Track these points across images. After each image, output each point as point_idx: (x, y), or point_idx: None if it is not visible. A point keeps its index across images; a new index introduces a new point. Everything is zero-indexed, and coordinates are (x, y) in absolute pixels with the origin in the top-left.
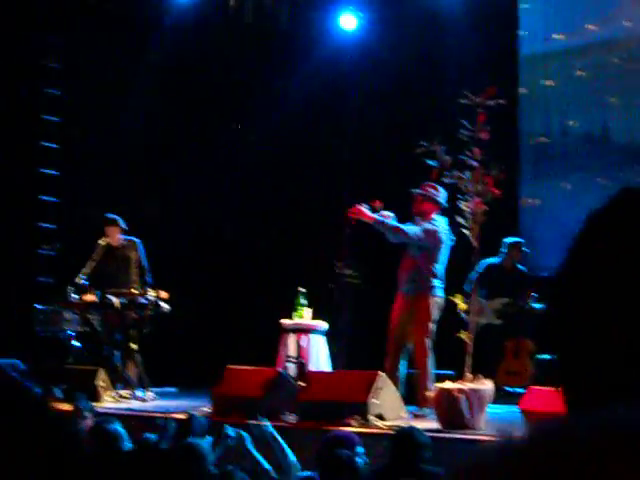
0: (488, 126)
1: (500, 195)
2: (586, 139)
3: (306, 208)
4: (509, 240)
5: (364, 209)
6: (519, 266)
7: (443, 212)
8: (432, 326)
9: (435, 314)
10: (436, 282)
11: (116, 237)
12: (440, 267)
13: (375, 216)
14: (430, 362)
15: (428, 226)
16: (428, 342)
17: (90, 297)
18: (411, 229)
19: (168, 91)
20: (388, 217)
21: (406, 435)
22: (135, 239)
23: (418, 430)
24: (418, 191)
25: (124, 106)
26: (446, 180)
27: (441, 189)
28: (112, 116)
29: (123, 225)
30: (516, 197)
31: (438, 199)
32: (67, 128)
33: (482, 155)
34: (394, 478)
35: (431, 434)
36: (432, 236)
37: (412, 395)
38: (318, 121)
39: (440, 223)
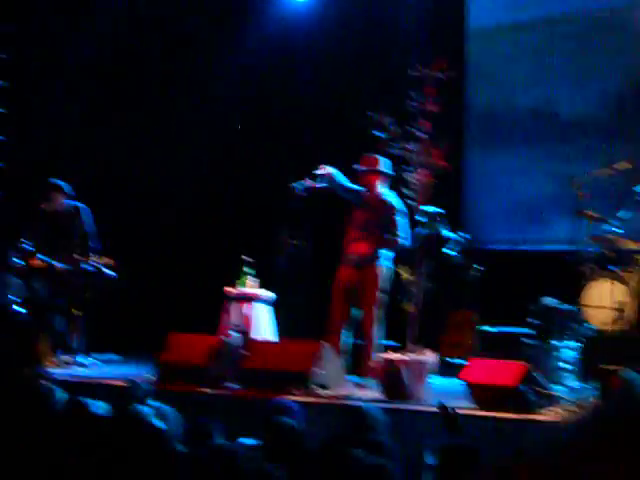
0: (436, 98)
1: (447, 167)
2: (532, 113)
3: (255, 176)
4: (428, 210)
5: (329, 170)
6: (445, 233)
7: (391, 181)
8: (382, 296)
9: (385, 284)
10: (385, 251)
11: (59, 202)
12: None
13: (344, 182)
14: (377, 333)
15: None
16: (377, 312)
17: (34, 262)
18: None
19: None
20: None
21: (358, 408)
22: (80, 205)
23: (370, 404)
24: (359, 167)
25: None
26: (393, 151)
27: (382, 159)
28: (56, 75)
29: (68, 190)
30: (461, 169)
31: (380, 169)
32: (14, 93)
33: (429, 127)
34: (342, 448)
35: (374, 404)
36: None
37: (356, 365)
38: (267, 91)
39: (390, 195)
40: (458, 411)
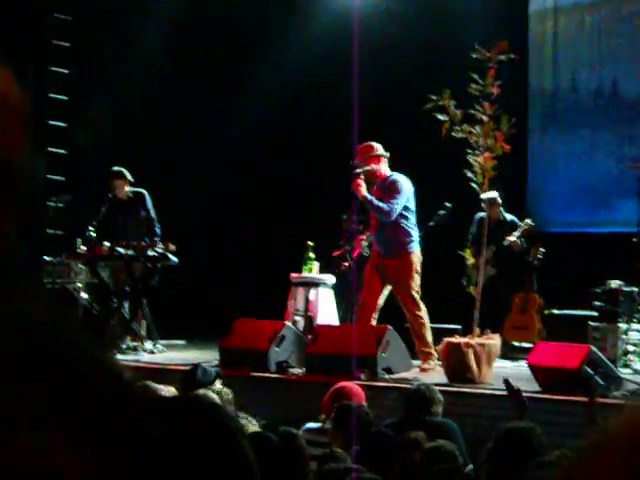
0: (498, 80)
1: (510, 150)
2: (595, 94)
3: (315, 162)
4: (485, 197)
5: (361, 185)
6: (507, 216)
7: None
8: (417, 279)
9: (418, 267)
10: (414, 236)
11: (123, 189)
12: (412, 220)
13: (366, 194)
14: (424, 314)
15: (393, 189)
16: (417, 296)
17: (100, 250)
18: (388, 206)
19: (172, 46)
20: None
21: (420, 391)
22: (142, 191)
23: (431, 387)
24: (357, 171)
25: (127, 60)
26: (456, 134)
27: (371, 144)
28: (115, 70)
29: (129, 177)
30: (525, 152)
31: (374, 154)
32: (74, 80)
33: (492, 110)
34: (404, 430)
35: (438, 388)
36: (401, 198)
37: (411, 348)
38: (325, 76)
39: (399, 177)
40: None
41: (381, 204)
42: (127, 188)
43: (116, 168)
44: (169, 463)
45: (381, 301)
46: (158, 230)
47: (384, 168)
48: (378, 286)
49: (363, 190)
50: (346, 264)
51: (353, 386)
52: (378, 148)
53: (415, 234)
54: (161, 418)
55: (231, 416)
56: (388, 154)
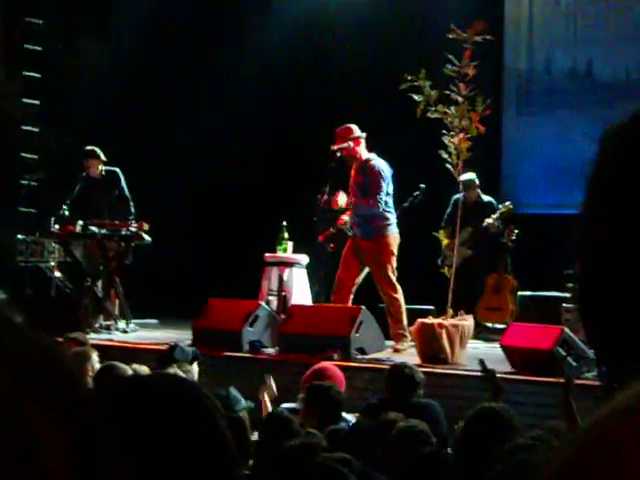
0: (474, 61)
1: (485, 131)
2: (571, 76)
3: (290, 142)
4: (463, 178)
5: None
6: (484, 198)
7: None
8: (393, 261)
9: (395, 249)
10: (391, 219)
11: (95, 168)
12: (390, 203)
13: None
14: (400, 296)
15: (373, 172)
16: (393, 278)
17: (73, 229)
18: (376, 202)
19: (152, 29)
20: None
21: (403, 372)
22: (116, 169)
23: (413, 367)
24: (335, 148)
25: (106, 39)
26: (431, 115)
27: (349, 126)
28: (91, 49)
29: (102, 156)
30: (500, 133)
31: (352, 136)
32: (49, 58)
33: (467, 90)
34: (383, 411)
35: None
36: (381, 181)
37: (385, 329)
38: (302, 56)
39: (377, 161)
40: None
41: (367, 203)
42: (101, 167)
43: (89, 147)
44: (142, 441)
45: (357, 281)
46: (132, 209)
47: (363, 150)
48: (355, 267)
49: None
50: (332, 245)
51: (333, 368)
52: (356, 130)
53: (392, 217)
54: (138, 396)
55: (208, 395)
56: (365, 134)
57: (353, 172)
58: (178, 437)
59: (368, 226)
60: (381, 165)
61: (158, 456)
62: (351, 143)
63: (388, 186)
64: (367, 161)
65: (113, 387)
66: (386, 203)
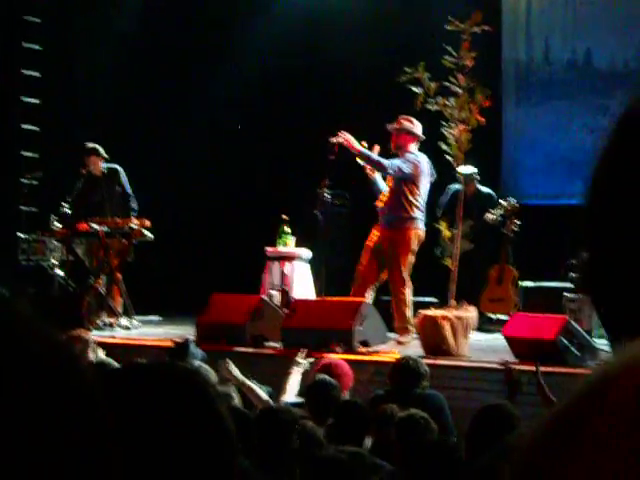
0: (472, 52)
1: (485, 122)
2: (569, 65)
3: (290, 136)
4: (463, 172)
5: (352, 140)
6: (482, 189)
7: (421, 143)
8: (411, 257)
9: (414, 245)
10: (417, 213)
11: (97, 166)
12: (420, 199)
13: (360, 148)
14: (408, 292)
15: (410, 157)
16: (405, 272)
17: (74, 226)
18: (391, 162)
19: (148, 27)
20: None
21: (407, 364)
22: (116, 167)
23: (418, 359)
24: (393, 125)
25: (103, 37)
26: (430, 107)
27: (416, 121)
28: (90, 48)
29: (103, 154)
30: (500, 124)
31: (414, 131)
32: (49, 57)
33: (466, 82)
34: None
35: None
36: (412, 167)
37: (390, 322)
38: (301, 50)
39: (421, 156)
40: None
41: (380, 158)
42: (101, 164)
43: (90, 145)
44: (144, 430)
45: (380, 278)
46: (134, 205)
47: (413, 148)
48: (375, 261)
49: (355, 144)
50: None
51: (342, 364)
52: (417, 127)
53: (419, 214)
54: (139, 384)
55: (210, 382)
56: (422, 136)
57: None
58: (177, 423)
59: (392, 215)
60: (420, 158)
61: (157, 443)
62: (403, 128)
63: (421, 183)
64: (411, 155)
65: (111, 375)
66: (417, 199)
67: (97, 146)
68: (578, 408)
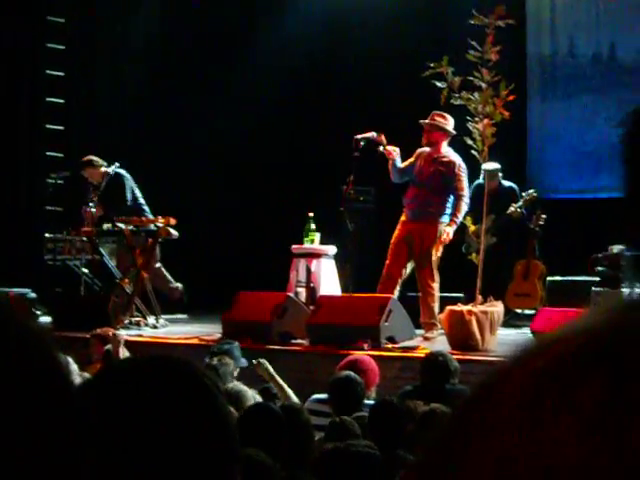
0: (496, 47)
1: (509, 116)
2: (593, 59)
3: (315, 133)
4: (487, 168)
5: (396, 154)
6: (505, 184)
7: (452, 139)
8: (440, 249)
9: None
10: (446, 210)
11: (96, 176)
12: (450, 199)
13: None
14: (436, 287)
15: (462, 175)
16: (434, 267)
17: (100, 225)
18: (462, 194)
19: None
20: (395, 152)
21: (438, 360)
22: (120, 173)
23: (448, 355)
24: (426, 121)
25: (125, 40)
26: (455, 102)
27: (449, 117)
28: (113, 48)
29: (99, 162)
30: (524, 118)
31: (447, 127)
32: (72, 56)
33: (490, 76)
34: (423, 399)
35: None
36: (466, 178)
37: (415, 318)
38: (324, 46)
39: (455, 155)
40: None
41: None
42: (103, 170)
43: (83, 159)
44: (142, 420)
45: (405, 273)
46: (145, 207)
47: (445, 144)
48: (404, 257)
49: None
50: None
51: (368, 360)
52: (450, 123)
53: (449, 211)
54: (135, 376)
55: (204, 372)
56: (454, 133)
57: (424, 162)
58: (177, 416)
59: (424, 209)
60: (465, 169)
61: (156, 437)
62: (435, 125)
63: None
64: (449, 157)
65: (108, 371)
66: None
67: (91, 157)
68: (472, 398)
